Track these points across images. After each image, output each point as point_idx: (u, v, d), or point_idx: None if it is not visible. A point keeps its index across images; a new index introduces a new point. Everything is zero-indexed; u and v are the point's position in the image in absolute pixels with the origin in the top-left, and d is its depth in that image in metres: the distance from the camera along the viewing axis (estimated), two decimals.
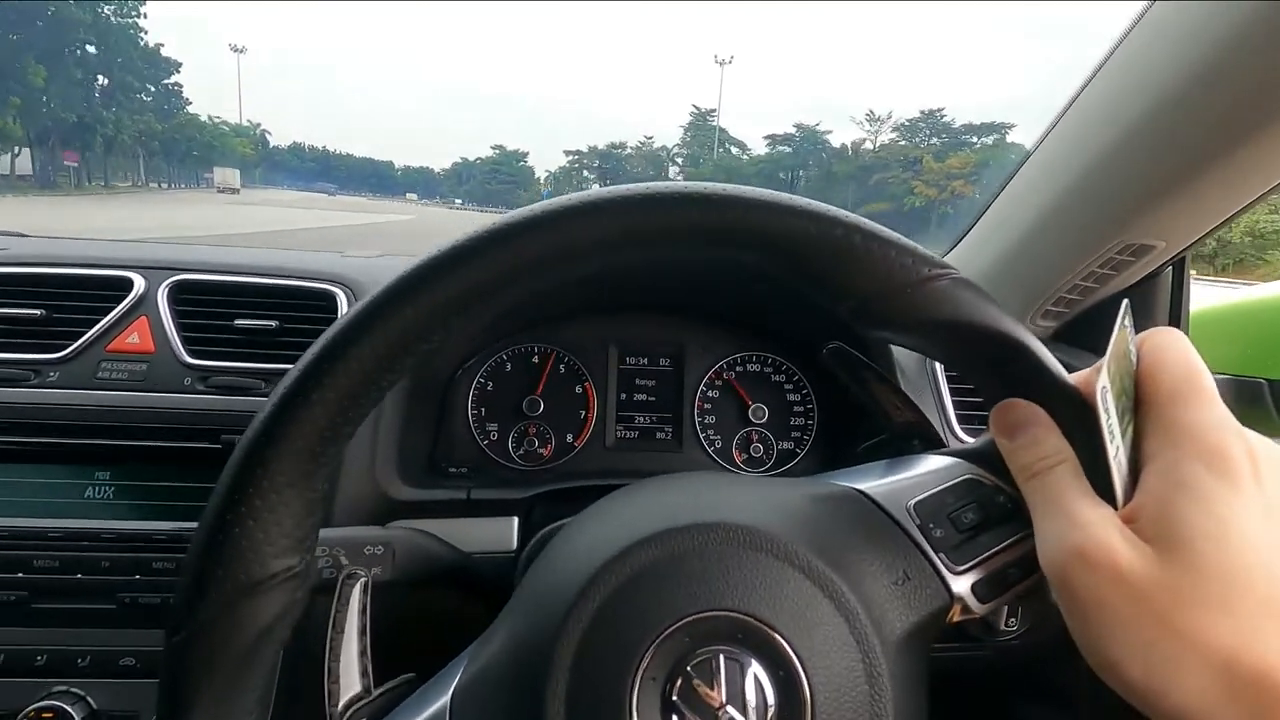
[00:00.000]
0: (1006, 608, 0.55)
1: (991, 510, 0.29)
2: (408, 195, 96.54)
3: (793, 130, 74.13)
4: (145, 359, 0.60)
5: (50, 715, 0.52)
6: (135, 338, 0.61)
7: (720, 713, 0.24)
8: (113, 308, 0.61)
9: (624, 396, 0.78)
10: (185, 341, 0.61)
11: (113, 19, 51.90)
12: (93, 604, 0.55)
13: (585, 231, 0.26)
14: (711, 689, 0.24)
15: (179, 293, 0.63)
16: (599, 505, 0.33)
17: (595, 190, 0.26)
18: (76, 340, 0.60)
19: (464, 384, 0.75)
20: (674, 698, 0.24)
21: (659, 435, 0.78)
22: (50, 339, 0.60)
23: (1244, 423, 0.25)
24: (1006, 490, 0.29)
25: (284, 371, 0.26)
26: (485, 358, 0.75)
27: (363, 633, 0.33)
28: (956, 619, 0.28)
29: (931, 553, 0.28)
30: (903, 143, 66.17)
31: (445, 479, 0.68)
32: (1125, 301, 0.28)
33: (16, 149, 43.26)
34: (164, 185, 58.88)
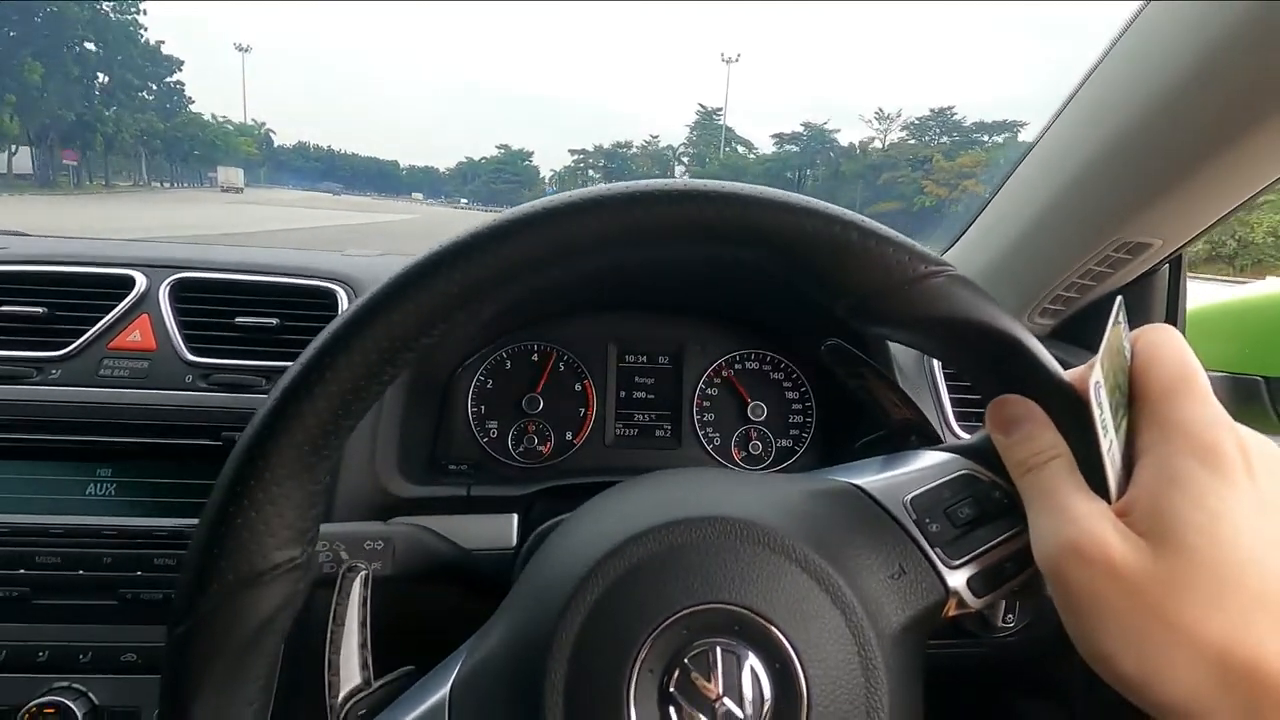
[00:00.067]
0: (1005, 604, 0.55)
1: (987, 505, 0.30)
2: (413, 195, 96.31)
3: (800, 129, 73.65)
4: (147, 356, 0.60)
5: (52, 711, 0.52)
6: (137, 335, 0.61)
7: (717, 704, 0.24)
8: (114, 305, 0.62)
9: (623, 394, 0.78)
10: (186, 339, 0.61)
11: (112, 16, 51.73)
12: (94, 600, 0.55)
13: (584, 228, 0.26)
14: (708, 681, 0.24)
15: (180, 290, 0.64)
16: (596, 501, 0.33)
17: (594, 187, 0.26)
18: (78, 338, 0.60)
19: (464, 382, 0.75)
20: (671, 689, 0.24)
21: (658, 433, 0.78)
22: (52, 337, 0.60)
23: (1241, 420, 0.25)
24: (1002, 485, 0.30)
25: (285, 369, 0.26)
26: (485, 356, 0.76)
27: (363, 625, 0.34)
28: (952, 613, 0.29)
29: (928, 547, 0.29)
30: (912, 141, 65.64)
31: (445, 476, 0.68)
32: (1119, 299, 0.28)
33: (14, 147, 43.16)
34: (166, 185, 58.71)
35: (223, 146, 69.77)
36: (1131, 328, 0.28)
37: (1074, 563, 0.24)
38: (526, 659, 0.26)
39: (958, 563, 0.28)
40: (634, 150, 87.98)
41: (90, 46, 51.13)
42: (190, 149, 64.28)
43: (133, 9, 52.54)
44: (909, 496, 0.30)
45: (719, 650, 0.25)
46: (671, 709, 0.24)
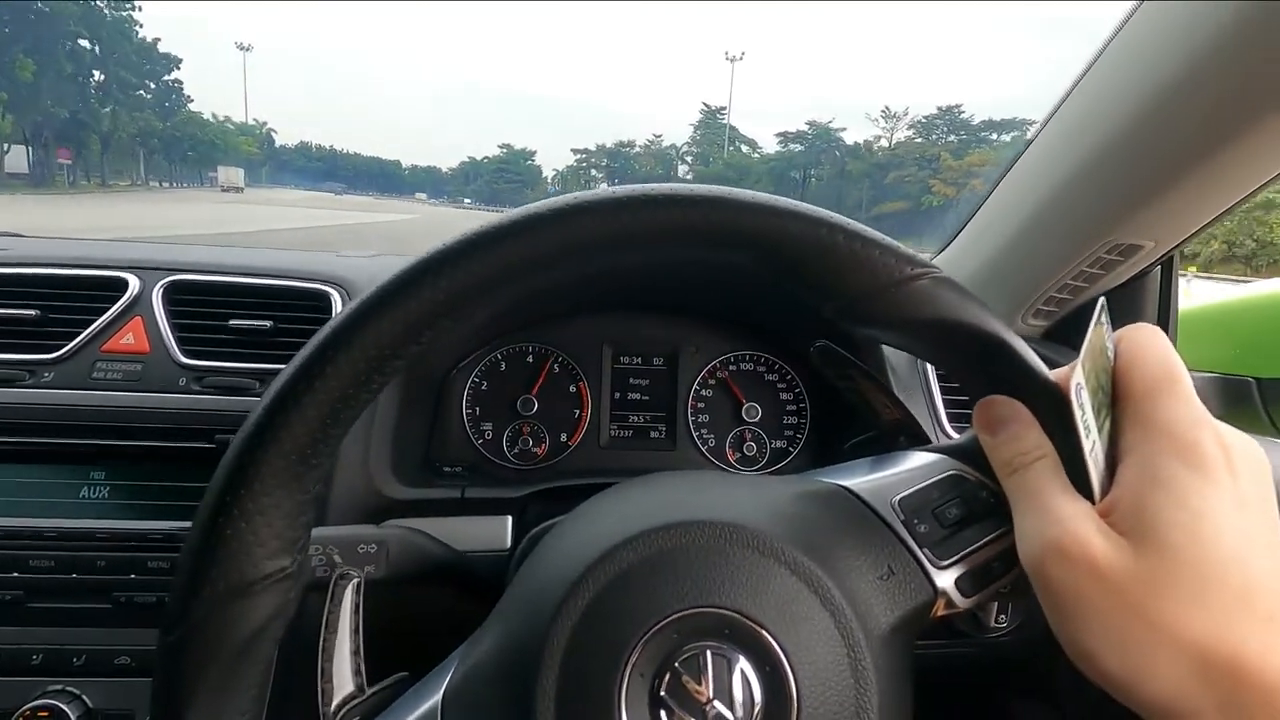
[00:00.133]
0: (996, 604, 0.56)
1: (975, 506, 0.30)
2: (417, 195, 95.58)
3: (805, 128, 72.96)
4: (140, 359, 0.60)
5: (46, 714, 0.52)
6: (130, 338, 0.61)
7: (707, 708, 0.24)
8: (108, 308, 0.62)
9: (618, 396, 0.78)
10: (180, 342, 0.61)
11: (106, 13, 51.32)
12: (88, 603, 0.55)
13: (573, 234, 0.26)
14: (699, 684, 0.24)
15: (174, 293, 0.64)
16: (588, 505, 0.33)
17: (584, 193, 0.26)
18: (71, 340, 0.60)
19: (459, 383, 0.75)
20: (662, 693, 0.24)
21: (653, 434, 0.78)
22: (45, 339, 0.60)
23: (1233, 421, 0.25)
24: (990, 486, 0.30)
25: (278, 371, 0.26)
26: (480, 357, 0.76)
27: (355, 632, 0.34)
28: (941, 613, 0.29)
29: (916, 548, 0.29)
30: (919, 140, 65.15)
31: (440, 478, 0.68)
32: (1101, 299, 0.28)
33: (7, 146, 42.91)
34: (165, 184, 58.31)
35: (223, 146, 69.35)
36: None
37: (1057, 562, 0.24)
38: (518, 663, 0.26)
39: (946, 563, 0.29)
40: (637, 150, 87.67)
41: (84, 43, 50.77)
42: (189, 148, 63.87)
43: (128, 6, 52.30)
44: (897, 497, 0.30)
45: (709, 653, 0.25)
46: (662, 712, 0.24)
